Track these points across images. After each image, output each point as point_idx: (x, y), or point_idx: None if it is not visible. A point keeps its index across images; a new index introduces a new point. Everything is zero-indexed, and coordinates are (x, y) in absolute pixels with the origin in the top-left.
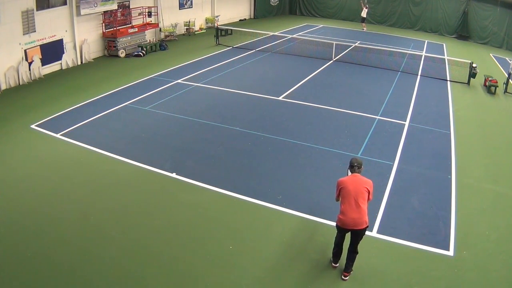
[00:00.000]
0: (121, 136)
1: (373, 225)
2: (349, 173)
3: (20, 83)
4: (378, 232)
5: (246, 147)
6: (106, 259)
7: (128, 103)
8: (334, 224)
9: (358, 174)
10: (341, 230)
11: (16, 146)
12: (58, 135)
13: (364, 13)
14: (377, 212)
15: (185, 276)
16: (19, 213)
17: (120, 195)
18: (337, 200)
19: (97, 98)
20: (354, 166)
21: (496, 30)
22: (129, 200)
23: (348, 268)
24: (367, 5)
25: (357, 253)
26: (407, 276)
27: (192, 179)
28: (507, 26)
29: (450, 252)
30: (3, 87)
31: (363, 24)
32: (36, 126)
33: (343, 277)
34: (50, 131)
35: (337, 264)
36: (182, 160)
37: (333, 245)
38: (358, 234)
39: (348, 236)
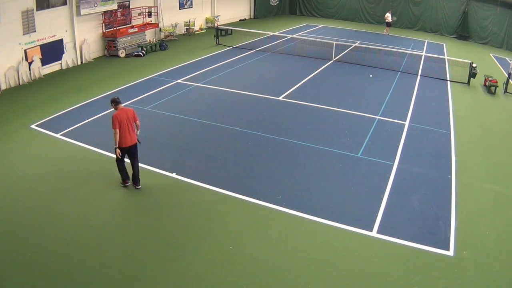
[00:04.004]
0: None
1: (373, 225)
2: (116, 109)
3: (20, 83)
4: (378, 232)
5: (246, 147)
6: (106, 259)
7: (128, 103)
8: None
9: (123, 107)
10: (123, 149)
11: (16, 146)
12: (58, 135)
13: (388, 18)
14: (377, 212)
15: (185, 276)
16: (19, 213)
17: (120, 195)
18: (116, 128)
19: (97, 98)
20: (112, 103)
21: (496, 30)
22: (129, 200)
23: (138, 181)
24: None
25: (138, 168)
26: (407, 276)
27: (192, 179)
28: (507, 26)
29: (450, 252)
30: (3, 87)
31: (387, 28)
32: (36, 126)
33: (137, 187)
34: (50, 131)
35: (128, 182)
36: (182, 160)
37: (117, 167)
38: (133, 149)
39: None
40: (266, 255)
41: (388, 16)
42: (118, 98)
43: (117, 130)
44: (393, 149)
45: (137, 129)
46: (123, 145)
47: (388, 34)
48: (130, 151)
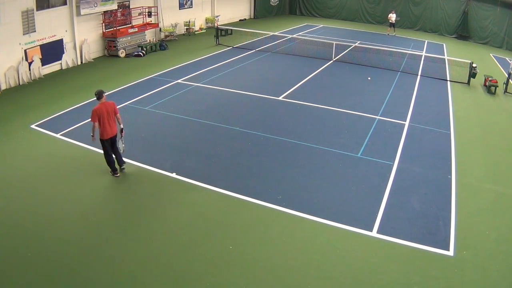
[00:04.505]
0: None
1: (373, 225)
2: (99, 101)
3: (20, 83)
4: (378, 232)
5: (246, 147)
6: (106, 259)
7: (128, 103)
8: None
9: (105, 101)
10: (105, 141)
11: (16, 146)
12: (58, 135)
13: (392, 18)
14: (377, 212)
15: (185, 276)
16: (19, 213)
17: (120, 195)
18: (94, 121)
19: None
20: (95, 95)
21: (496, 30)
22: (129, 199)
23: (122, 162)
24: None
25: (119, 152)
26: (407, 276)
27: (192, 179)
28: (507, 26)
29: (450, 252)
30: (3, 87)
31: (390, 29)
32: (36, 126)
33: (120, 172)
34: (50, 131)
35: (118, 173)
36: (182, 160)
37: (105, 160)
38: (114, 140)
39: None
40: (266, 255)
41: (392, 17)
42: (101, 91)
43: (96, 123)
44: (393, 149)
45: (120, 123)
46: (105, 137)
47: (388, 34)
48: (111, 140)
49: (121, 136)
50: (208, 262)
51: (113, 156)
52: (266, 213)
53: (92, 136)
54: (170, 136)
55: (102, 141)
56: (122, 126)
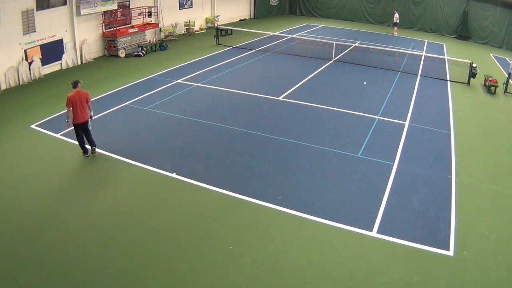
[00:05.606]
0: (121, 136)
1: (373, 225)
2: (74, 89)
3: (20, 83)
4: (378, 232)
5: (246, 147)
6: (106, 259)
7: (128, 103)
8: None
9: (79, 90)
10: (77, 125)
11: (16, 146)
12: (58, 135)
13: (395, 18)
14: (377, 212)
15: (185, 276)
16: (19, 213)
17: (119, 195)
18: (69, 107)
19: (97, 98)
20: (71, 84)
21: (496, 30)
22: (129, 200)
23: (94, 143)
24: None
25: (90, 134)
26: (407, 276)
27: (192, 179)
28: (507, 26)
29: (450, 252)
30: (3, 87)
31: (395, 28)
32: (36, 126)
33: (93, 152)
34: (50, 131)
35: (88, 154)
36: (182, 160)
37: (78, 142)
38: (85, 125)
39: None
40: (266, 255)
41: (395, 17)
42: (77, 81)
43: (70, 108)
44: (393, 149)
45: (90, 110)
46: (77, 121)
47: (395, 34)
48: (82, 127)
49: (90, 124)
50: (208, 262)
51: (85, 139)
52: (266, 213)
53: (67, 121)
54: (170, 136)
55: (74, 125)
56: (92, 113)
